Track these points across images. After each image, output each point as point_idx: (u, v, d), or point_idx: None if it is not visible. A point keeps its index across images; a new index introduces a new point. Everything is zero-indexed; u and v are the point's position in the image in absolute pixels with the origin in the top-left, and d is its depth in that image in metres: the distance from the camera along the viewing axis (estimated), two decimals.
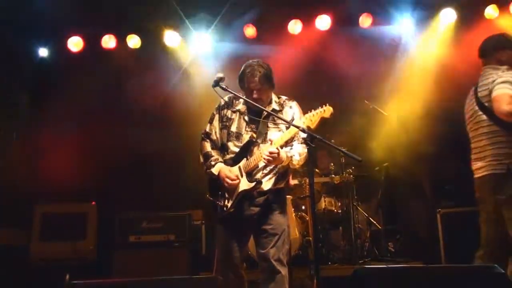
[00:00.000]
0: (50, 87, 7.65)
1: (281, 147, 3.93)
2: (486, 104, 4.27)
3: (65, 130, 7.31)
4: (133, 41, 7.65)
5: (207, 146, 4.22)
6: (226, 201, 4.05)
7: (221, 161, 4.14)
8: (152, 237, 6.29)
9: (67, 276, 5.79)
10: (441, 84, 6.99)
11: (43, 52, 7.75)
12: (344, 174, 6.71)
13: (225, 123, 4.19)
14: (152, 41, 7.66)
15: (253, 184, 3.98)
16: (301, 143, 4.02)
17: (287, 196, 5.78)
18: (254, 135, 4.08)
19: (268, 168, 4.06)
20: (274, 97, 4.20)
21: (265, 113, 4.05)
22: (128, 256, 6.18)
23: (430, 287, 3.04)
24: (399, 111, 7.13)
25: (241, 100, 4.17)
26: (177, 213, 6.43)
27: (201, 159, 4.23)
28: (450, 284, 3.02)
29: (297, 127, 3.72)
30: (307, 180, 6.32)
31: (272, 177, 4.08)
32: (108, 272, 6.07)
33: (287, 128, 3.99)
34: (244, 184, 4.01)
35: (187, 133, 6.39)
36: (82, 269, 6.05)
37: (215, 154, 4.17)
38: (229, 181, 4.00)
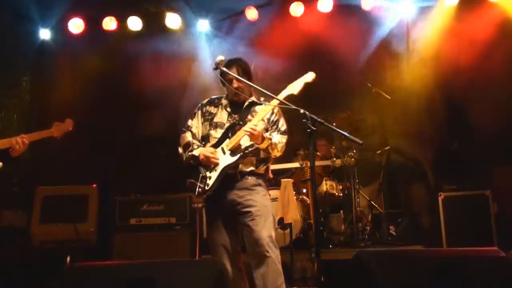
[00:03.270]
0: (51, 69, 7.59)
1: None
2: None
3: (66, 112, 7.23)
4: (134, 23, 7.56)
5: (188, 136, 4.31)
6: (208, 179, 4.07)
7: (202, 147, 4.23)
8: (153, 220, 6.29)
9: (68, 258, 5.83)
10: (443, 67, 6.92)
11: (44, 33, 7.68)
12: (346, 158, 6.66)
13: (207, 117, 4.32)
14: (153, 23, 7.59)
15: (237, 156, 4.03)
16: (281, 134, 4.19)
17: (288, 179, 5.80)
18: (237, 120, 4.20)
19: (250, 150, 4.11)
20: (254, 95, 4.33)
21: (247, 103, 4.23)
22: (129, 238, 6.21)
23: (431, 270, 3.01)
24: (401, 94, 7.07)
25: (223, 97, 4.36)
26: (178, 195, 6.41)
27: (180, 150, 4.31)
28: (452, 268, 2.99)
29: (287, 104, 3.79)
30: (308, 163, 6.28)
31: (254, 160, 4.16)
32: (109, 255, 6.10)
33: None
34: (227, 159, 4.05)
35: (187, 116, 6.34)
36: (82, 251, 6.05)
37: (196, 142, 4.28)
38: (207, 154, 4.05)
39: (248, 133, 3.95)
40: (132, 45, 7.55)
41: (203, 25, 7.61)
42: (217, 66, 4.00)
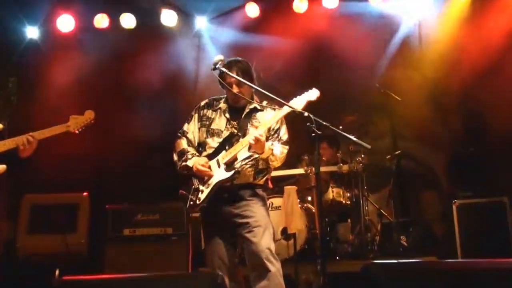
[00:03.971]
0: (39, 69, 7.59)
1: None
2: None
3: (55, 116, 7.25)
4: (127, 20, 7.57)
5: (183, 143, 4.29)
6: (200, 193, 4.06)
7: (198, 156, 4.20)
8: (148, 230, 6.29)
9: (57, 272, 5.82)
10: (458, 67, 6.91)
11: (32, 32, 7.68)
12: (353, 163, 6.65)
13: (204, 122, 4.29)
14: (148, 20, 7.59)
15: (231, 172, 4.00)
16: (282, 144, 4.15)
17: (292, 187, 5.80)
18: (235, 131, 4.16)
19: (248, 161, 4.10)
20: (256, 98, 4.30)
21: (247, 110, 4.20)
22: (122, 250, 6.20)
23: (445, 283, 3.00)
24: (412, 95, 7.07)
25: (222, 100, 4.31)
26: (174, 204, 6.35)
27: (175, 157, 4.30)
28: (467, 281, 2.98)
29: (290, 106, 3.81)
30: (313, 169, 6.28)
31: (252, 171, 4.14)
32: (101, 268, 6.09)
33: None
34: (222, 174, 4.04)
35: (184, 119, 6.35)
36: (72, 264, 6.04)
37: (191, 150, 4.25)
38: (201, 168, 4.03)
39: (253, 141, 3.91)
40: (126, 43, 7.56)
41: (201, 22, 7.63)
42: (215, 67, 4.00)
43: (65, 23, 7.55)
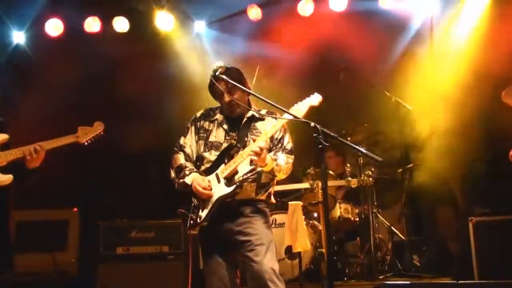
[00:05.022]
0: (26, 76, 7.65)
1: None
2: None
3: (43, 126, 7.34)
4: (120, 24, 7.65)
5: (181, 158, 4.30)
6: (200, 211, 4.08)
7: (196, 171, 4.20)
8: (142, 249, 6.35)
9: None
10: (474, 73, 6.96)
11: (18, 36, 7.75)
12: (363, 177, 6.70)
13: (201, 135, 4.30)
14: (142, 24, 7.68)
15: (232, 188, 4.02)
16: (287, 154, 4.16)
17: (297, 202, 5.85)
18: (234, 142, 4.17)
19: (250, 175, 4.10)
20: (253, 106, 4.32)
21: (245, 119, 4.21)
22: (115, 270, 6.24)
23: None
24: (425, 104, 7.12)
25: (218, 110, 4.33)
26: (170, 221, 6.45)
27: (172, 174, 4.30)
28: None
29: (295, 116, 3.81)
30: (319, 184, 6.33)
31: (254, 186, 4.15)
32: None
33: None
34: (222, 190, 4.04)
35: (181, 129, 6.41)
36: (62, 284, 6.08)
37: (189, 165, 4.25)
38: (200, 189, 4.03)
39: (253, 155, 3.92)
40: (118, 48, 7.61)
41: (199, 26, 7.74)
42: (215, 74, 4.03)
43: (54, 26, 7.64)
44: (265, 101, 3.84)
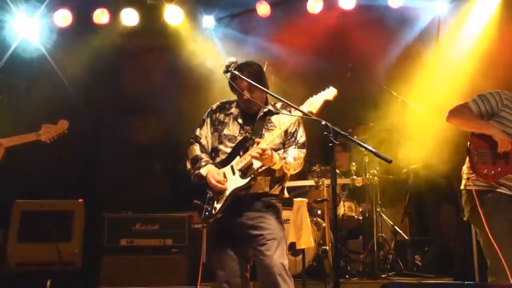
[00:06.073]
0: (33, 66, 7.63)
1: (275, 150, 4.06)
2: None
3: (48, 116, 7.31)
4: (129, 17, 7.63)
5: (197, 149, 4.32)
6: (215, 203, 4.09)
7: (212, 163, 4.22)
8: (146, 241, 6.33)
9: (49, 283, 5.86)
10: (482, 72, 6.94)
11: (26, 26, 7.71)
12: (367, 176, 6.70)
13: (217, 127, 4.33)
14: (151, 17, 7.65)
15: (247, 180, 4.03)
16: (299, 148, 4.19)
17: (302, 199, 5.83)
18: (249, 135, 4.19)
19: (264, 168, 4.10)
20: (270, 101, 4.33)
21: (261, 114, 4.23)
22: (118, 262, 6.23)
23: None
24: (432, 104, 7.11)
25: (234, 104, 4.36)
26: (175, 214, 6.45)
27: (188, 165, 4.31)
28: None
29: (306, 114, 3.84)
30: (325, 181, 6.32)
31: (268, 179, 4.17)
32: (95, 280, 6.11)
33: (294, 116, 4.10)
34: (237, 182, 4.06)
35: (187, 123, 6.39)
36: (65, 275, 6.07)
37: (205, 157, 4.27)
38: (214, 182, 4.05)
39: (254, 158, 3.95)
40: (126, 41, 7.62)
41: (208, 21, 7.72)
42: (227, 69, 4.02)
43: (63, 17, 7.59)
44: (281, 100, 3.90)
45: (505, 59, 6.63)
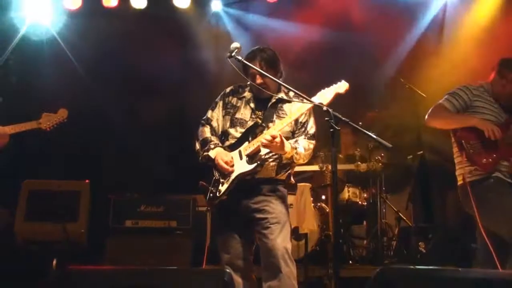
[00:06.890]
0: (41, 49, 7.63)
1: (286, 139, 4.03)
2: None
3: (57, 99, 7.34)
4: (138, 0, 7.61)
5: (207, 131, 4.32)
6: (221, 185, 4.10)
7: (221, 146, 4.22)
8: (151, 223, 6.36)
9: (54, 261, 5.91)
10: (491, 60, 6.88)
11: (35, 8, 7.69)
12: (372, 162, 6.67)
13: (229, 110, 4.32)
14: (159, 1, 7.63)
15: (253, 165, 4.02)
16: (309, 139, 4.18)
17: (306, 184, 5.83)
18: (260, 121, 4.17)
19: (272, 155, 4.11)
20: (283, 88, 4.28)
21: (273, 100, 4.20)
22: (123, 242, 6.28)
23: None
24: (439, 91, 7.05)
25: (247, 88, 4.33)
26: (180, 196, 6.48)
27: (197, 146, 4.32)
28: None
29: (313, 102, 3.81)
30: (329, 167, 6.31)
31: (275, 165, 4.16)
32: (100, 259, 6.15)
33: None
34: (243, 167, 4.06)
35: (193, 105, 6.37)
36: (71, 254, 6.10)
37: (214, 139, 4.27)
38: (222, 163, 4.06)
39: (263, 145, 3.94)
40: (135, 25, 7.60)
41: (216, 5, 7.71)
42: (231, 55, 3.98)
43: (73, 0, 7.58)
44: (291, 90, 3.92)
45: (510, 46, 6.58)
